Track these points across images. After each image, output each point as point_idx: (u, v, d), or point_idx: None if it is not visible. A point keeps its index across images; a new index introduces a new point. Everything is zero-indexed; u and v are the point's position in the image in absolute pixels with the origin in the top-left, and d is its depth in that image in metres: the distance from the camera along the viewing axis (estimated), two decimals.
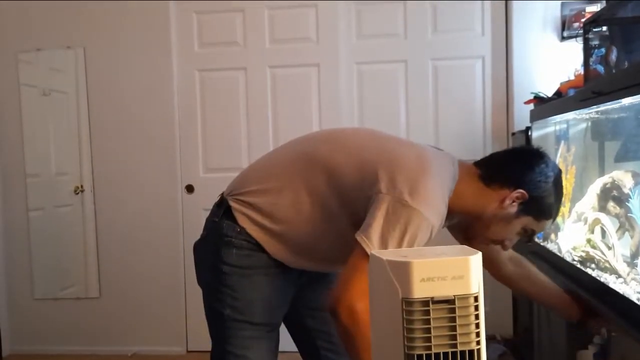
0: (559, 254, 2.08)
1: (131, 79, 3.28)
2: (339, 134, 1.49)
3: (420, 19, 3.18)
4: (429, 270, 0.77)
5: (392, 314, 0.78)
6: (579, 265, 1.87)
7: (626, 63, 2.00)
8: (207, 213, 1.50)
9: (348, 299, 1.18)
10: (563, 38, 2.95)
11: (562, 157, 2.15)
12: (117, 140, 3.32)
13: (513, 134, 2.98)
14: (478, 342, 0.79)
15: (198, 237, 1.51)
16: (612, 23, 2.08)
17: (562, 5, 2.95)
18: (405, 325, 0.77)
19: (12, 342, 3.38)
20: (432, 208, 1.23)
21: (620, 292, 1.54)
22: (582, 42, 2.17)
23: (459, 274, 0.78)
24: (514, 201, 1.33)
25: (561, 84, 2.51)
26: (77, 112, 3.37)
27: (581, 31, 2.25)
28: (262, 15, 3.25)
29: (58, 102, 3.45)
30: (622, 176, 1.65)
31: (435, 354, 0.78)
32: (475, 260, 0.80)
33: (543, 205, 1.35)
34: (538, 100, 2.59)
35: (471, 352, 0.79)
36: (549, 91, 2.59)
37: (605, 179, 1.75)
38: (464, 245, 0.86)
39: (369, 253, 1.16)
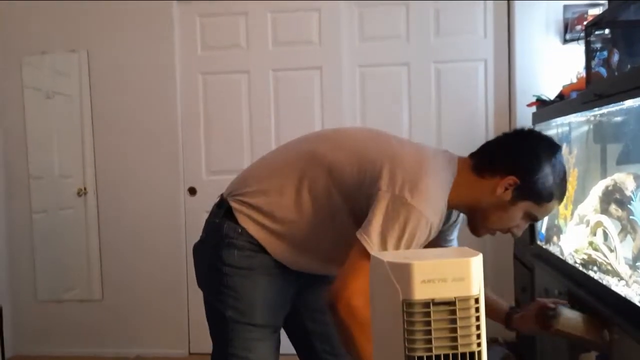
0: (561, 256, 2.08)
1: (134, 82, 3.29)
2: (341, 132, 1.50)
3: (423, 22, 3.19)
4: (430, 272, 0.78)
5: (393, 315, 0.78)
6: (581, 268, 1.87)
7: (628, 66, 2.00)
8: None
9: (346, 296, 1.18)
10: (565, 41, 2.96)
11: (564, 160, 2.14)
12: (120, 142, 3.33)
13: None
14: (479, 344, 0.80)
15: None
16: (614, 26, 2.08)
17: (565, 8, 2.96)
18: (406, 327, 0.78)
19: (15, 344, 3.39)
20: (431, 206, 1.23)
21: (623, 294, 1.54)
22: (584, 45, 2.17)
23: (459, 275, 0.79)
24: (506, 189, 1.31)
25: (563, 86, 2.51)
26: (81, 114, 3.38)
27: (583, 34, 2.25)
28: (265, 19, 3.25)
29: (62, 105, 3.46)
30: (624, 179, 1.65)
31: (436, 355, 0.78)
32: (476, 262, 0.80)
33: (539, 188, 1.30)
34: (540, 102, 2.59)
35: (472, 354, 0.79)
36: (551, 94, 2.59)
37: (607, 181, 1.75)
38: (465, 247, 0.86)
39: (368, 250, 1.16)
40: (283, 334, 1.54)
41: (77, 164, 3.41)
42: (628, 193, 1.60)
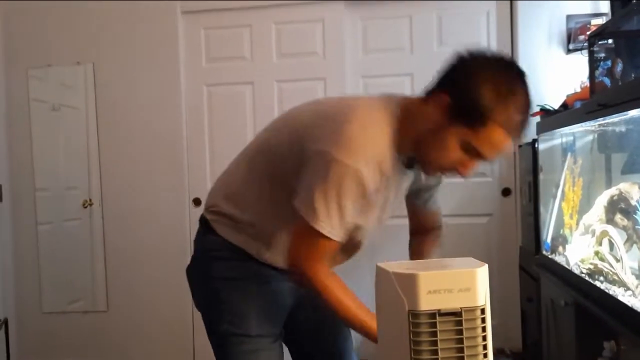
0: (567, 266, 2.07)
1: (140, 94, 3.31)
2: (282, 115, 1.43)
3: (426, 33, 3.20)
4: (436, 283, 0.78)
5: (399, 326, 0.78)
6: (587, 278, 1.86)
7: (632, 75, 2.01)
8: None
9: (299, 268, 1.21)
10: (569, 51, 2.96)
11: (569, 170, 2.15)
12: (126, 154, 3.34)
13: (519, 146, 2.97)
14: (485, 355, 0.79)
15: None
16: (618, 36, 2.09)
17: (568, 18, 2.96)
18: (412, 337, 0.78)
19: (21, 356, 3.38)
20: (356, 154, 1.13)
21: (629, 304, 1.53)
22: (587, 55, 2.18)
23: (465, 286, 0.79)
24: (437, 109, 1.15)
25: (567, 96, 2.51)
26: (86, 126, 3.40)
27: (587, 44, 2.25)
28: (269, 30, 3.28)
29: (67, 117, 3.48)
30: (629, 188, 1.65)
31: None
32: (482, 272, 0.80)
33: (469, 103, 1.10)
34: (544, 112, 2.59)
35: None
36: (555, 103, 2.59)
37: (613, 191, 1.75)
38: (471, 258, 0.86)
39: (303, 216, 1.16)
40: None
41: (82, 175, 3.42)
42: (633, 202, 1.60)
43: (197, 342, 3.30)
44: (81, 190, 3.43)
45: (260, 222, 1.33)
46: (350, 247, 1.37)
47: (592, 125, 1.94)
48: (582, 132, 2.06)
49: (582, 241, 1.96)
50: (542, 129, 2.50)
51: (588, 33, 2.53)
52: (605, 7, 2.82)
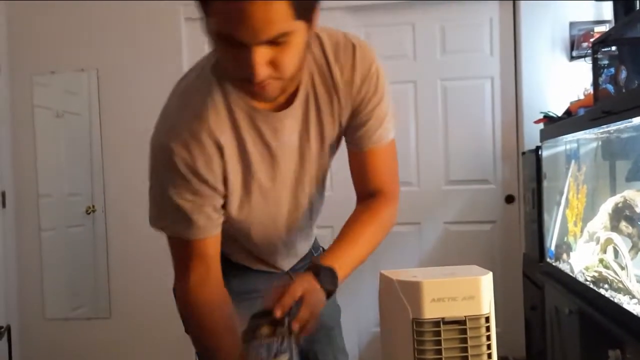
0: (571, 274, 2.06)
1: (143, 101, 3.31)
2: None
3: (429, 40, 3.20)
4: (440, 291, 0.77)
5: (403, 334, 0.78)
6: (592, 286, 1.85)
7: (636, 82, 2.00)
8: None
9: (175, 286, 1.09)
10: (572, 58, 2.96)
11: (573, 177, 2.14)
12: (129, 161, 3.34)
13: (523, 153, 2.97)
14: None
15: None
16: (621, 43, 2.09)
17: (571, 25, 2.97)
18: (416, 345, 0.77)
19: None
20: (159, 130, 1.01)
21: (635, 312, 1.52)
22: (591, 62, 2.18)
23: (469, 294, 0.78)
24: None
25: (571, 103, 2.51)
26: (90, 133, 3.40)
27: (590, 51, 2.25)
28: None
29: (71, 124, 3.49)
30: (634, 195, 1.64)
31: None
32: (486, 280, 0.80)
33: None
34: (548, 119, 2.59)
35: None
36: (558, 110, 2.59)
37: (617, 198, 1.74)
38: (475, 265, 0.85)
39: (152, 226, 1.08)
40: None
41: (85, 182, 3.43)
42: (638, 210, 1.59)
43: None
44: (84, 197, 3.43)
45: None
46: (246, 235, 1.15)
47: (596, 133, 1.94)
48: (586, 140, 2.06)
49: (586, 249, 1.95)
50: (545, 136, 2.50)
51: (591, 40, 2.53)
52: (608, 14, 2.82)
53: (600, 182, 1.95)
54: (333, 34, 1.05)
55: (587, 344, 1.88)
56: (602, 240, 1.81)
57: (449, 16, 3.17)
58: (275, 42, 0.82)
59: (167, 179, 0.99)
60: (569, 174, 2.17)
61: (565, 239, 2.21)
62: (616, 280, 1.71)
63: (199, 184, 0.98)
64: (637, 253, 1.61)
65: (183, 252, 1.05)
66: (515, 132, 3.14)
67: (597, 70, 2.10)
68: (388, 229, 1.13)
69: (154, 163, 1.01)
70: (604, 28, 2.77)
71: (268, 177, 1.05)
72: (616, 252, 1.72)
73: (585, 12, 2.96)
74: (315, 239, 1.37)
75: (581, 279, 1.95)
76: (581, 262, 2.00)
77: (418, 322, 0.77)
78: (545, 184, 2.48)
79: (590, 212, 1.94)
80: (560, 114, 2.53)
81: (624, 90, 1.98)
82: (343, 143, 1.13)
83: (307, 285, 0.92)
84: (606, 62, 2.19)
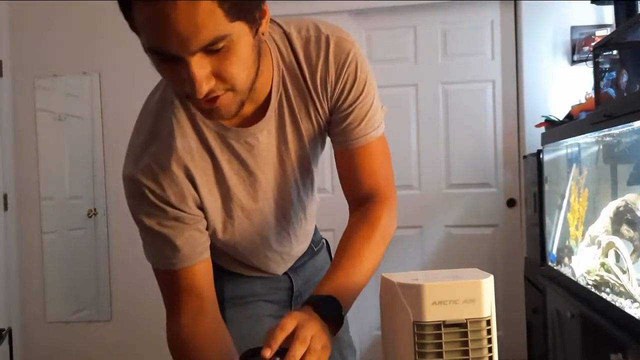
0: (572, 277, 2.06)
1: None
2: None
3: (431, 44, 3.21)
4: (441, 294, 0.77)
5: (404, 337, 0.78)
6: (593, 290, 1.85)
7: (637, 86, 2.00)
8: None
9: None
10: (573, 62, 2.96)
11: (574, 180, 2.14)
12: None
13: (524, 157, 2.97)
14: None
15: None
16: (622, 47, 2.09)
17: (572, 29, 2.97)
18: (416, 349, 0.77)
19: None
20: (128, 161, 0.95)
21: (637, 317, 1.52)
22: (592, 66, 2.18)
23: (471, 297, 0.78)
24: None
25: (572, 107, 2.51)
26: (92, 136, 3.41)
27: (591, 55, 2.26)
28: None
29: (73, 127, 3.50)
30: (636, 199, 1.64)
31: None
32: (488, 283, 0.80)
33: None
34: (549, 123, 2.59)
35: None
36: (560, 114, 2.59)
37: (619, 202, 1.74)
38: (476, 269, 0.85)
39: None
40: None
41: (87, 185, 3.43)
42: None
43: None
44: (86, 200, 3.44)
45: None
46: (235, 250, 1.09)
47: (597, 136, 1.94)
48: (588, 143, 2.06)
49: (588, 252, 1.95)
50: (547, 139, 2.50)
51: (593, 44, 2.53)
52: (609, 18, 2.83)
53: (602, 186, 1.95)
54: (303, 29, 0.96)
55: (589, 347, 1.87)
56: (603, 244, 1.80)
57: (450, 19, 3.18)
58: (213, 50, 0.74)
59: (142, 209, 0.93)
60: (571, 178, 2.17)
61: (567, 242, 2.21)
62: (618, 284, 1.70)
63: (176, 212, 0.93)
64: (638, 257, 1.61)
65: (172, 286, 0.97)
66: (516, 135, 3.14)
67: (598, 74, 2.10)
68: (389, 238, 1.05)
69: (127, 194, 0.95)
70: (605, 32, 2.77)
71: (249, 197, 0.99)
72: (618, 256, 1.72)
73: (587, 16, 2.96)
74: (316, 229, 1.30)
75: (583, 283, 1.95)
76: (583, 265, 2.00)
77: (419, 325, 0.76)
78: (546, 187, 2.48)
79: (591, 215, 1.94)
80: (561, 117, 2.53)
81: (625, 94, 1.98)
82: None
83: (300, 318, 0.81)
84: (607, 66, 2.19)
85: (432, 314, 0.76)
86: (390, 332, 0.83)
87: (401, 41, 3.24)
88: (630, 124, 1.59)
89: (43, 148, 3.46)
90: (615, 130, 1.76)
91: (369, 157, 1.01)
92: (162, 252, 0.96)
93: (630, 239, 1.65)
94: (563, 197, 2.24)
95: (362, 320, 3.15)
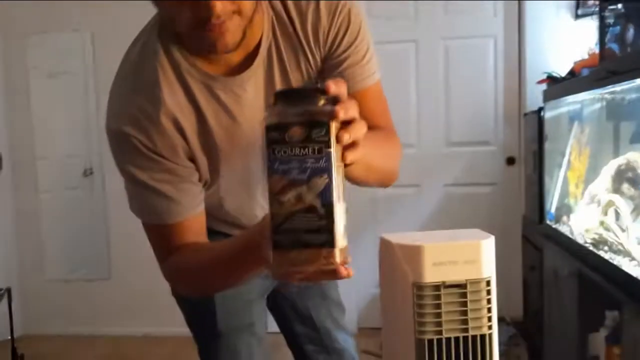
0: (571, 236, 2.06)
1: None
2: None
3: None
4: (441, 255, 0.76)
5: (403, 298, 0.77)
6: (591, 248, 1.85)
7: None
8: None
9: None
10: (577, 16, 2.89)
11: (575, 138, 2.11)
12: None
13: (525, 114, 2.94)
14: (489, 327, 0.78)
15: None
16: (630, 0, 2.02)
17: None
18: (416, 310, 0.76)
19: (24, 324, 3.41)
20: (112, 115, 0.94)
21: (634, 275, 1.52)
22: (597, 20, 2.12)
23: (471, 258, 0.77)
24: None
25: (575, 63, 2.46)
26: (86, 94, 3.36)
27: (596, 9, 2.19)
28: None
29: (66, 85, 3.44)
30: (638, 157, 1.62)
31: (446, 338, 0.77)
32: (488, 244, 0.79)
33: None
34: (551, 80, 2.54)
35: (482, 336, 0.78)
36: (562, 71, 2.54)
37: (620, 160, 1.72)
38: (477, 229, 0.84)
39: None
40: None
41: (82, 144, 3.40)
42: None
43: None
44: (81, 159, 3.41)
45: None
46: (219, 206, 1.07)
47: (600, 94, 1.90)
48: (590, 101, 2.03)
49: (587, 211, 1.94)
50: (548, 96, 2.46)
51: None
52: None
53: (604, 144, 1.93)
54: None
55: (585, 305, 1.89)
56: (603, 203, 1.80)
57: None
58: None
59: (134, 162, 0.90)
60: (572, 136, 2.14)
61: (566, 201, 2.21)
62: (616, 243, 1.70)
63: (169, 163, 0.90)
64: (638, 215, 1.60)
65: (165, 241, 0.97)
66: (517, 92, 3.10)
67: (603, 29, 2.05)
68: (399, 150, 1.01)
69: (114, 148, 0.93)
70: None
71: (235, 150, 0.97)
72: (617, 215, 1.71)
73: None
74: None
75: (581, 241, 1.95)
76: (581, 224, 1.99)
77: (418, 286, 0.76)
78: (547, 145, 2.46)
79: (592, 174, 1.93)
80: (564, 74, 2.49)
81: (629, 50, 1.93)
82: None
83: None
84: (612, 20, 2.13)
85: (431, 275, 0.75)
86: (389, 294, 0.82)
87: None
88: (635, 80, 1.56)
89: (36, 107, 3.41)
90: (619, 87, 1.72)
91: (369, 101, 0.97)
92: (155, 207, 0.93)
93: (631, 198, 1.64)
94: (563, 156, 2.22)
95: (360, 278, 3.17)
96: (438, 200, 3.21)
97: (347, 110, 0.66)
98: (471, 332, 0.77)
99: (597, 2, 2.26)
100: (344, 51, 0.95)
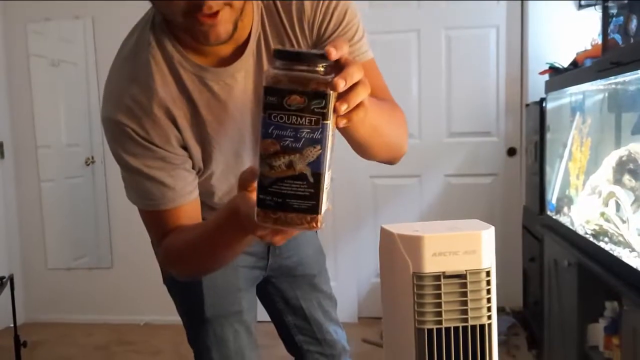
0: (571, 227, 2.06)
1: None
2: None
3: None
4: (441, 245, 0.76)
5: (403, 288, 0.77)
6: (591, 239, 1.85)
7: None
8: None
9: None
10: (580, 6, 2.87)
11: (577, 129, 2.11)
12: None
13: (527, 105, 2.93)
14: (489, 317, 0.79)
15: None
16: None
17: None
18: (416, 299, 0.76)
19: (27, 311, 3.44)
20: (107, 104, 0.95)
21: (634, 266, 1.52)
22: (600, 11, 2.11)
23: (471, 248, 0.77)
24: None
25: (577, 54, 2.45)
26: (87, 82, 3.35)
27: None
28: None
29: (67, 73, 3.43)
30: (639, 149, 1.62)
31: (445, 328, 0.77)
32: (488, 235, 0.79)
33: None
34: (553, 70, 2.53)
35: (482, 326, 0.78)
36: (565, 61, 2.53)
37: (622, 151, 1.72)
38: (477, 220, 0.84)
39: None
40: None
41: (84, 132, 3.40)
42: None
43: None
44: (83, 148, 3.41)
45: None
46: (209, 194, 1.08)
47: (602, 84, 1.90)
48: (592, 91, 2.02)
49: (588, 202, 1.95)
50: (550, 87, 2.45)
51: None
52: None
53: (605, 135, 1.92)
54: None
55: (585, 295, 1.90)
56: (604, 194, 1.80)
57: None
58: None
59: (128, 151, 0.93)
60: (574, 127, 2.14)
61: (567, 192, 2.21)
62: (617, 234, 1.71)
63: (162, 151, 0.93)
64: (639, 207, 1.60)
65: (159, 226, 0.98)
66: (519, 83, 3.09)
67: (606, 19, 2.04)
68: (405, 121, 1.02)
69: (110, 137, 0.95)
70: None
71: (227, 140, 0.99)
72: (618, 206, 1.72)
73: None
74: None
75: (581, 232, 1.95)
76: (582, 215, 2.00)
77: (418, 276, 0.76)
78: (548, 136, 2.45)
79: (593, 165, 1.93)
80: (566, 64, 2.48)
81: (632, 41, 1.92)
82: None
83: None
84: (615, 10, 2.12)
85: (431, 265, 0.76)
86: (389, 284, 0.82)
87: None
88: (637, 71, 1.55)
89: (37, 95, 3.40)
90: (622, 78, 1.71)
91: (366, 75, 1.00)
92: (149, 194, 0.95)
93: (632, 189, 1.64)
94: (565, 146, 2.21)
95: (361, 267, 3.19)
96: (439, 190, 3.21)
97: (350, 76, 0.66)
98: (471, 322, 0.78)
99: None
100: (332, 33, 0.96)
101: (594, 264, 1.75)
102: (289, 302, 1.38)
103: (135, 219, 1.06)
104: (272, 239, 0.75)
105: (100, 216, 3.42)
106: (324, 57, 0.66)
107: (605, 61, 1.76)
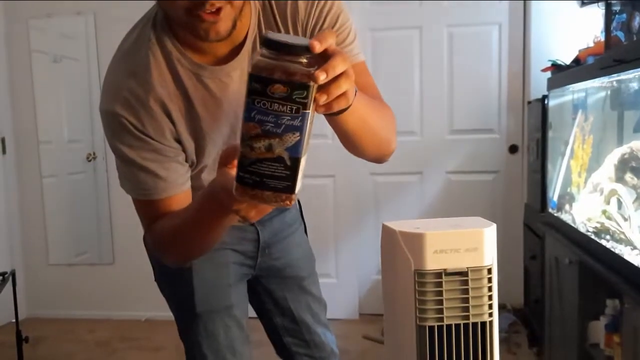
0: (573, 224, 2.06)
1: None
2: None
3: None
4: (443, 242, 0.76)
5: (405, 285, 0.77)
6: (593, 237, 1.85)
7: None
8: None
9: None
10: (583, 3, 2.86)
11: (579, 127, 2.11)
12: None
13: (529, 102, 2.92)
14: (490, 314, 0.79)
15: None
16: None
17: None
18: (417, 296, 0.77)
19: (28, 307, 3.44)
20: (108, 94, 0.98)
21: (635, 264, 1.52)
22: (603, 8, 2.11)
23: (472, 246, 0.77)
24: None
25: (580, 51, 2.44)
26: (89, 78, 3.35)
27: None
28: None
29: (69, 69, 3.43)
30: None
31: (447, 325, 0.77)
32: (490, 232, 0.79)
33: None
34: (556, 67, 2.53)
35: (483, 323, 0.79)
36: (567, 58, 2.53)
37: (624, 149, 1.71)
38: (479, 217, 0.84)
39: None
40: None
41: (85, 128, 3.40)
42: None
43: None
44: (84, 144, 3.42)
45: None
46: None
47: (605, 82, 1.89)
48: (595, 89, 2.01)
49: (589, 200, 1.94)
50: (552, 84, 2.45)
51: None
52: None
53: (607, 133, 1.92)
54: None
55: (586, 293, 1.90)
56: (606, 192, 1.79)
57: None
58: None
59: (124, 142, 0.97)
60: (576, 124, 2.14)
61: (569, 189, 2.20)
62: (618, 232, 1.70)
63: (157, 144, 0.96)
64: None
65: (151, 213, 1.01)
66: (521, 80, 3.08)
67: (609, 16, 2.03)
68: (393, 118, 1.03)
69: (107, 128, 0.99)
70: None
71: (222, 136, 1.03)
72: (620, 204, 1.71)
73: None
74: None
75: (583, 230, 1.95)
76: (584, 213, 1.99)
77: (420, 273, 0.76)
78: (550, 134, 2.45)
79: (595, 163, 1.92)
80: (568, 62, 2.47)
81: (635, 38, 1.91)
82: None
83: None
84: (618, 8, 2.11)
85: (433, 263, 0.76)
86: (391, 280, 0.82)
87: None
88: None
89: (39, 91, 3.40)
90: (624, 76, 1.71)
91: (357, 75, 1.00)
92: (143, 184, 0.98)
93: (634, 187, 1.64)
94: (567, 144, 2.21)
95: (362, 264, 3.19)
96: (440, 187, 3.21)
97: (332, 68, 0.68)
98: (472, 319, 0.78)
99: None
100: None
101: (595, 261, 1.75)
102: (277, 302, 1.39)
103: (137, 216, 1.07)
104: (248, 214, 0.79)
105: (101, 212, 3.42)
106: (309, 49, 0.69)
107: (607, 58, 1.75)
